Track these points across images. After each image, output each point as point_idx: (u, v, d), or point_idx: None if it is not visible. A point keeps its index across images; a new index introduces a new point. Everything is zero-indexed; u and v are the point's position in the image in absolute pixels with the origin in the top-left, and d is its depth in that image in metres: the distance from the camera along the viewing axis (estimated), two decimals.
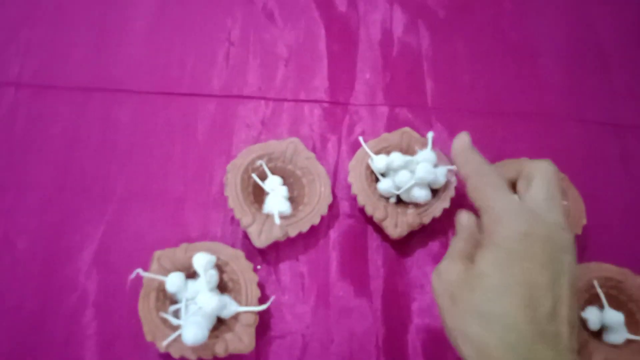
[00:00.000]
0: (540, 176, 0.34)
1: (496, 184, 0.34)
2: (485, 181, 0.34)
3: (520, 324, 0.29)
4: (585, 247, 0.45)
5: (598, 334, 0.41)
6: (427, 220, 0.43)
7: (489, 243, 0.32)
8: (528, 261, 0.30)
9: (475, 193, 0.34)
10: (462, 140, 0.38)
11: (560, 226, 0.32)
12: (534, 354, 0.29)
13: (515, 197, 0.34)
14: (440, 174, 0.44)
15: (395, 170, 0.44)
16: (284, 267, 0.43)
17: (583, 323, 0.41)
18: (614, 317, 0.41)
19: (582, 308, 0.41)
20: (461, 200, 0.45)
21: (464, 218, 0.37)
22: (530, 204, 0.33)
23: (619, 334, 0.40)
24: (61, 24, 0.54)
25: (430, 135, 0.44)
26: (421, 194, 0.43)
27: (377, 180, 0.45)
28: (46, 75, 0.50)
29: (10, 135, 0.47)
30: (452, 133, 0.50)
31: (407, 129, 0.47)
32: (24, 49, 0.51)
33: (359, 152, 0.46)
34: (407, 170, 0.43)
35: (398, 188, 0.43)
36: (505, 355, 0.29)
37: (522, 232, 0.31)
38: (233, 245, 0.43)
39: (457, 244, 0.35)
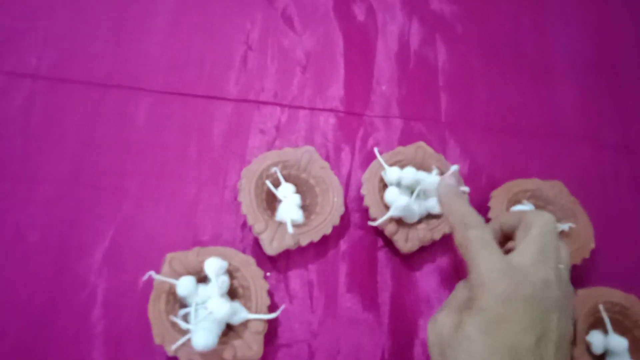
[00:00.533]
0: (538, 229, 0.34)
1: (481, 239, 0.33)
2: (470, 237, 0.34)
3: None
4: (593, 271, 0.46)
5: (601, 358, 0.42)
6: (438, 236, 0.44)
7: (474, 306, 0.32)
8: (512, 324, 0.30)
9: (461, 248, 0.34)
10: (447, 185, 0.39)
11: (546, 283, 0.32)
12: None
13: (500, 253, 0.33)
14: (427, 206, 0.44)
15: (407, 187, 0.45)
16: (294, 275, 0.44)
17: (587, 347, 0.41)
18: (618, 342, 0.41)
19: (587, 332, 0.42)
20: None
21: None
22: (519, 260, 0.33)
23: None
24: (80, 15, 0.53)
25: (453, 168, 0.42)
26: (436, 206, 0.44)
27: None
28: (63, 68, 0.50)
29: (25, 127, 0.47)
30: (465, 149, 0.51)
31: (421, 143, 0.48)
32: (42, 40, 0.51)
33: (372, 165, 0.46)
34: (405, 196, 0.43)
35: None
36: None
37: (505, 296, 0.31)
38: (243, 251, 0.43)
39: (458, 292, 0.35)
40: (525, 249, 0.33)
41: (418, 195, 0.44)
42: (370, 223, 0.44)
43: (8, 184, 0.44)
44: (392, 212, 0.43)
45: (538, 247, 0.33)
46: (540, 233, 0.34)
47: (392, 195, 0.44)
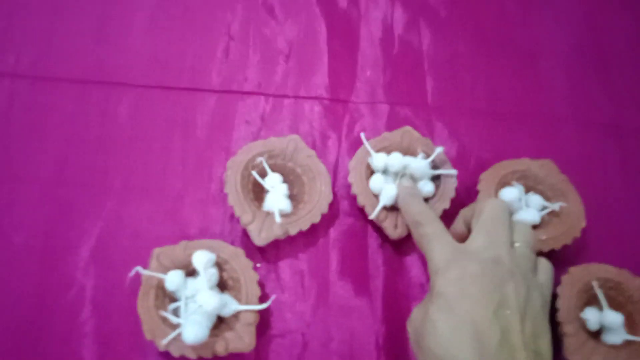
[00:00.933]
0: (486, 214, 0.37)
1: (432, 233, 0.37)
2: (422, 232, 0.38)
3: None
4: (585, 249, 0.46)
5: (597, 334, 0.42)
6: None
7: (433, 293, 0.34)
8: (467, 301, 0.33)
9: (417, 244, 0.39)
10: (404, 187, 0.43)
11: (495, 260, 0.34)
12: None
13: (451, 242, 0.37)
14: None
15: (394, 173, 0.44)
16: (284, 265, 0.43)
17: (582, 323, 0.41)
18: (613, 318, 0.41)
19: (581, 309, 0.42)
20: (462, 201, 0.46)
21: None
22: (471, 245, 0.36)
23: (617, 335, 0.41)
24: (59, 12, 0.52)
25: (438, 150, 0.44)
26: (425, 187, 0.44)
27: None
28: (43, 66, 0.49)
29: (6, 128, 0.46)
30: (453, 132, 0.50)
31: (408, 128, 0.47)
32: (20, 38, 0.50)
33: (359, 152, 0.46)
34: (393, 185, 0.43)
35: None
36: None
37: (455, 277, 0.34)
38: (232, 243, 0.42)
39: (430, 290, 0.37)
40: (476, 234, 0.36)
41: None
42: (371, 217, 0.43)
43: None
44: (383, 202, 0.43)
45: (486, 230, 0.36)
46: (488, 217, 0.37)
47: (377, 183, 0.43)
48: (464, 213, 0.42)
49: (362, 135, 0.45)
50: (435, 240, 0.37)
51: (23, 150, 0.45)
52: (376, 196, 0.44)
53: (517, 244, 0.37)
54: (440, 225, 0.38)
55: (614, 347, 0.40)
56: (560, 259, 0.43)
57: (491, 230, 0.36)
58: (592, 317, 0.41)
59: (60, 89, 0.48)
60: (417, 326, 0.35)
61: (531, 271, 0.36)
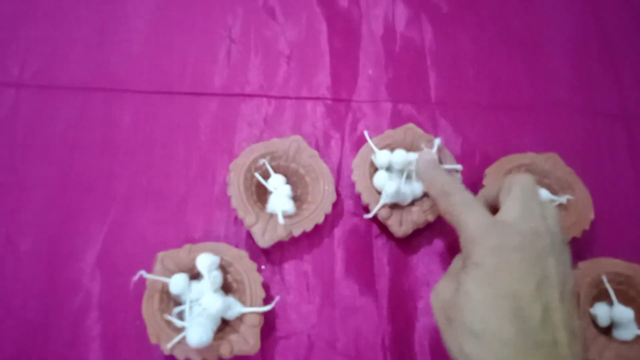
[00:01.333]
0: (518, 186, 0.34)
1: (464, 202, 0.34)
2: (453, 202, 0.35)
3: (512, 337, 0.29)
4: (594, 243, 0.45)
5: (607, 330, 0.41)
6: (432, 218, 0.43)
7: (468, 263, 0.32)
8: (507, 273, 0.30)
9: (446, 215, 0.35)
10: (424, 160, 0.41)
11: (535, 232, 0.32)
12: None
13: (485, 211, 0.34)
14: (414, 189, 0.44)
15: (398, 170, 0.44)
16: (289, 266, 0.43)
17: (592, 319, 0.40)
18: (624, 313, 0.40)
19: (591, 304, 0.41)
20: None
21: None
22: (505, 216, 0.33)
23: (628, 330, 0.40)
24: (61, 21, 0.53)
25: (437, 141, 0.44)
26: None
27: None
28: (47, 75, 0.50)
29: (11, 137, 0.47)
30: (457, 128, 0.50)
31: (411, 125, 0.47)
32: (24, 49, 0.51)
33: (362, 150, 0.45)
34: (393, 182, 0.43)
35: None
36: None
37: (494, 246, 0.31)
38: (237, 245, 0.42)
39: (454, 263, 0.35)
40: (510, 206, 0.33)
41: (409, 177, 0.43)
42: (366, 216, 0.43)
43: None
44: (384, 200, 0.42)
45: (521, 202, 0.33)
46: (521, 190, 0.34)
47: (381, 180, 0.43)
48: (485, 193, 0.39)
49: (366, 133, 0.45)
50: (469, 208, 0.34)
51: (28, 158, 0.46)
52: (380, 193, 0.44)
53: (548, 221, 0.34)
54: (470, 194, 0.35)
55: (625, 342, 0.40)
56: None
57: (526, 202, 0.33)
58: (602, 312, 0.40)
59: (64, 97, 0.49)
60: (447, 299, 0.32)
61: (565, 249, 0.34)
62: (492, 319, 0.30)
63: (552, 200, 0.44)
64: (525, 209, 0.33)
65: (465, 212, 0.34)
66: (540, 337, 0.29)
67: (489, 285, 0.30)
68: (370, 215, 0.43)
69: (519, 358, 0.29)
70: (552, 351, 0.29)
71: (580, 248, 0.44)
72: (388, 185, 0.42)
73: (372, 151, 0.45)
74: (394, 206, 0.43)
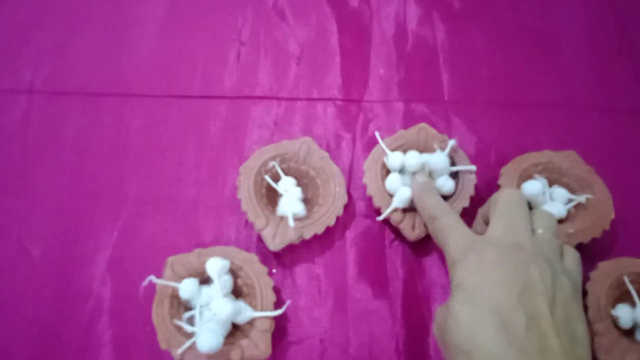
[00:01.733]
0: (501, 203, 0.36)
1: (447, 225, 0.36)
2: (438, 226, 0.37)
3: (498, 350, 0.29)
4: (614, 243, 0.44)
5: (630, 332, 0.39)
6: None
7: (453, 286, 0.33)
8: (487, 288, 0.31)
9: (434, 239, 0.38)
10: (418, 183, 0.42)
11: (515, 245, 0.33)
12: None
13: (467, 232, 0.36)
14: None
15: (412, 173, 0.43)
16: (300, 270, 0.42)
17: (614, 321, 0.39)
18: None
19: (613, 305, 0.40)
20: (483, 199, 0.44)
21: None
22: (490, 232, 0.35)
23: None
24: (72, 28, 0.53)
25: (451, 142, 0.43)
26: (446, 185, 0.42)
27: None
28: (58, 81, 0.50)
29: (24, 142, 0.47)
30: (471, 127, 0.49)
31: (423, 124, 0.46)
32: (36, 55, 0.51)
33: (374, 151, 0.45)
34: (406, 187, 0.42)
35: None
36: None
37: (473, 266, 0.32)
38: (247, 249, 0.42)
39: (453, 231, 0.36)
40: (494, 223, 0.35)
41: None
42: (378, 219, 0.42)
43: (9, 200, 0.44)
44: (395, 204, 0.42)
45: (505, 218, 0.35)
46: (504, 206, 0.35)
47: (394, 183, 0.42)
48: (481, 211, 0.40)
49: (377, 134, 0.44)
50: (451, 232, 0.36)
51: (40, 163, 0.46)
52: (392, 196, 0.43)
53: (539, 231, 0.35)
54: (455, 217, 0.37)
55: None
56: (589, 253, 0.41)
57: (508, 217, 0.35)
58: (624, 314, 0.39)
59: (75, 103, 0.49)
60: (441, 324, 0.33)
61: (556, 257, 0.34)
62: (478, 336, 0.30)
63: (570, 200, 0.43)
64: (508, 224, 0.34)
65: (447, 235, 0.36)
66: (526, 345, 0.29)
67: (471, 303, 0.31)
68: (381, 218, 0.42)
69: None
70: (542, 357, 0.29)
71: (601, 248, 0.43)
72: (400, 190, 0.41)
73: (384, 153, 0.44)
74: (407, 209, 0.42)
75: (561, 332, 0.30)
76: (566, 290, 0.32)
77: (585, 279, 0.40)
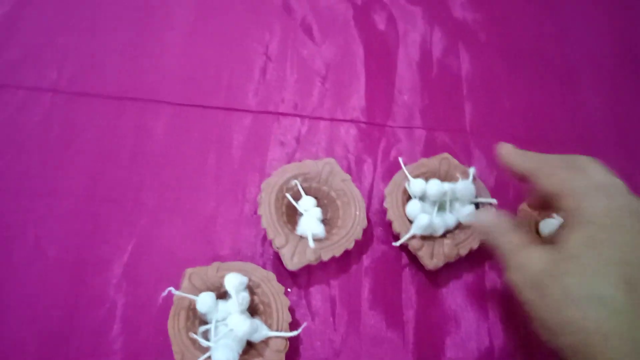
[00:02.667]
0: (589, 170, 0.33)
1: (566, 169, 0.33)
2: (554, 170, 0.34)
3: (622, 306, 0.27)
4: None
5: None
6: (464, 252, 0.42)
7: (575, 222, 0.30)
8: (620, 235, 0.29)
9: (550, 186, 0.33)
10: (515, 152, 0.38)
11: (632, 196, 0.31)
12: None
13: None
14: (447, 220, 0.43)
15: (432, 201, 0.43)
16: (315, 291, 0.42)
17: None
18: None
19: None
20: None
21: (488, 216, 0.37)
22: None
23: None
24: (99, 30, 0.53)
25: (472, 170, 0.44)
26: (464, 211, 0.43)
27: None
28: (82, 83, 0.50)
29: (44, 142, 0.47)
30: (492, 160, 0.49)
31: (446, 154, 0.46)
32: (62, 55, 0.51)
33: (396, 177, 0.45)
34: (426, 214, 0.42)
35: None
36: (610, 340, 0.27)
37: (605, 206, 0.30)
38: (264, 266, 0.42)
39: (515, 236, 0.33)
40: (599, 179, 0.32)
41: (443, 208, 0.43)
42: (394, 244, 0.42)
43: (27, 199, 0.44)
44: (414, 230, 0.42)
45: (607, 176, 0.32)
46: (596, 172, 0.33)
47: (414, 209, 0.42)
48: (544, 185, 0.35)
49: (400, 160, 0.45)
50: (573, 174, 0.33)
51: (60, 164, 0.46)
52: (412, 222, 0.43)
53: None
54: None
55: None
56: None
57: (607, 177, 0.32)
58: None
59: (98, 105, 0.49)
60: (540, 267, 0.30)
61: None
62: (601, 284, 0.27)
63: None
64: (614, 186, 0.32)
65: (571, 175, 0.32)
66: None
67: (599, 247, 0.28)
68: (398, 244, 0.42)
69: (627, 328, 0.27)
70: None
71: None
72: (421, 217, 0.41)
73: (406, 179, 0.44)
74: (426, 237, 0.42)
75: None
76: None
77: None
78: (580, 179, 0.32)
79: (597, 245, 0.29)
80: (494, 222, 0.35)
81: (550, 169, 0.34)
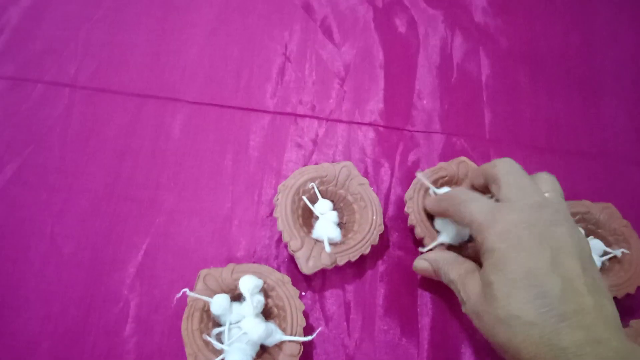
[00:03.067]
0: (503, 172, 0.35)
1: (471, 198, 0.36)
2: (458, 201, 0.36)
3: (534, 317, 0.29)
4: None
5: None
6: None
7: (482, 252, 0.33)
8: (520, 253, 0.31)
9: (455, 216, 0.37)
10: (429, 201, 0.42)
11: (538, 205, 0.33)
12: (562, 338, 0.28)
13: (488, 200, 0.35)
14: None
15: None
16: (330, 295, 0.42)
17: None
18: None
19: None
20: None
21: (424, 263, 0.40)
22: (507, 200, 0.34)
23: None
24: (120, 27, 0.53)
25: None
26: None
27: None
28: (102, 79, 0.50)
29: (63, 137, 0.47)
30: None
31: (463, 158, 0.46)
32: (82, 50, 0.51)
33: (416, 181, 0.44)
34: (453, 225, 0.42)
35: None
36: (537, 351, 0.29)
37: (501, 230, 0.32)
38: (278, 269, 0.42)
39: (461, 268, 0.36)
40: (506, 192, 0.34)
41: None
42: (421, 249, 0.42)
43: (45, 194, 0.44)
44: (442, 239, 0.41)
45: (514, 186, 0.34)
46: (506, 175, 0.35)
47: (444, 220, 0.42)
48: (472, 180, 0.40)
49: (421, 176, 0.43)
50: (473, 201, 0.35)
51: (78, 161, 0.46)
52: (433, 226, 0.43)
53: (546, 194, 0.35)
54: (472, 191, 0.38)
55: None
56: (621, 309, 0.40)
57: (517, 184, 0.34)
58: None
59: (117, 102, 0.49)
60: (476, 297, 0.33)
61: (569, 215, 0.34)
62: (515, 303, 0.30)
63: (606, 253, 0.43)
64: (520, 189, 0.34)
65: (470, 204, 0.35)
66: (563, 309, 0.29)
67: (505, 270, 0.31)
68: (425, 250, 0.42)
69: (547, 334, 0.29)
70: (579, 320, 0.29)
71: (635, 305, 0.42)
72: (449, 227, 0.41)
73: (424, 183, 0.44)
74: (451, 246, 0.42)
75: (592, 290, 0.30)
76: (586, 245, 0.32)
77: None
78: (477, 208, 0.34)
79: (501, 269, 0.31)
80: (441, 257, 0.39)
81: (453, 205, 0.37)
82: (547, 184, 0.35)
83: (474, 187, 0.40)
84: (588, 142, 0.51)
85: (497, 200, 0.35)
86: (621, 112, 0.53)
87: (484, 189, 0.38)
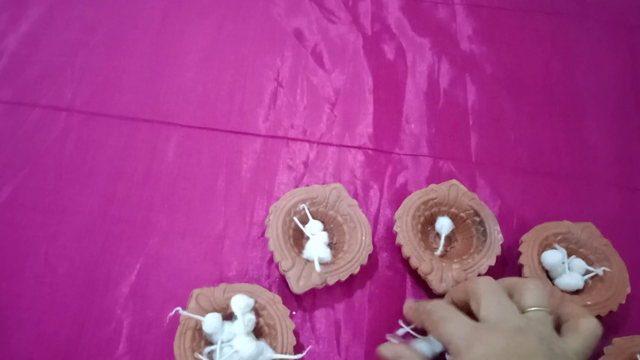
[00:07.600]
0: (483, 294, 0.35)
1: (446, 316, 0.35)
2: (436, 318, 0.36)
3: None
4: (629, 317, 0.44)
5: None
6: (472, 276, 0.43)
7: None
8: None
9: (434, 334, 0.36)
10: (408, 306, 0.41)
11: (518, 330, 0.33)
12: None
13: (468, 319, 0.35)
14: None
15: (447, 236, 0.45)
16: (320, 314, 0.43)
17: None
18: None
19: None
20: (504, 259, 0.45)
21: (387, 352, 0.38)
22: (485, 319, 0.34)
23: None
24: (115, 52, 0.55)
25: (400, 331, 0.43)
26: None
27: (424, 231, 0.45)
28: (97, 103, 0.51)
29: (59, 160, 0.48)
30: (496, 190, 0.50)
31: (454, 181, 0.47)
32: (79, 75, 0.53)
33: (405, 201, 0.46)
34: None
35: None
36: None
37: (481, 355, 0.32)
38: (269, 288, 0.43)
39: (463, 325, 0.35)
40: (485, 310, 0.34)
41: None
42: (388, 337, 0.41)
43: (39, 215, 0.45)
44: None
45: (494, 304, 0.34)
46: (487, 293, 0.35)
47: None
48: (454, 295, 0.39)
49: (390, 337, 0.42)
50: (452, 320, 0.35)
51: (73, 183, 0.47)
52: (428, 248, 0.44)
53: (532, 309, 0.35)
54: (452, 307, 0.37)
55: None
56: (604, 327, 0.41)
57: (497, 303, 0.35)
58: None
59: (112, 125, 0.50)
60: None
61: (552, 335, 0.34)
62: None
63: (588, 271, 0.44)
64: (499, 309, 0.34)
65: (448, 324, 0.35)
66: None
67: None
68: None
69: None
70: None
71: (616, 322, 0.43)
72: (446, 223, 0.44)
73: (415, 204, 0.45)
74: (436, 261, 0.43)
75: None
76: None
77: (599, 353, 0.40)
78: (456, 329, 0.34)
79: None
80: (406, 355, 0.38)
81: (431, 325, 0.37)
82: (532, 297, 0.35)
83: (454, 302, 0.39)
84: (570, 165, 0.52)
85: (476, 319, 0.35)
86: (601, 136, 0.54)
87: (464, 305, 0.37)
